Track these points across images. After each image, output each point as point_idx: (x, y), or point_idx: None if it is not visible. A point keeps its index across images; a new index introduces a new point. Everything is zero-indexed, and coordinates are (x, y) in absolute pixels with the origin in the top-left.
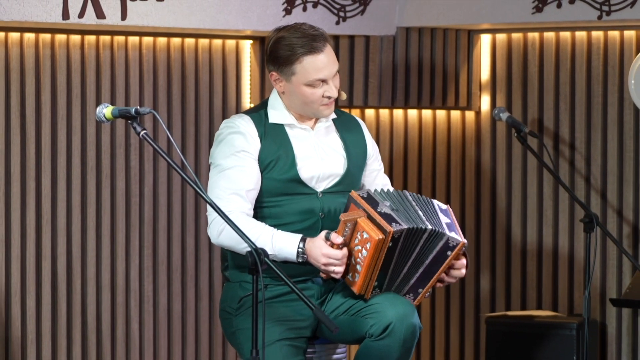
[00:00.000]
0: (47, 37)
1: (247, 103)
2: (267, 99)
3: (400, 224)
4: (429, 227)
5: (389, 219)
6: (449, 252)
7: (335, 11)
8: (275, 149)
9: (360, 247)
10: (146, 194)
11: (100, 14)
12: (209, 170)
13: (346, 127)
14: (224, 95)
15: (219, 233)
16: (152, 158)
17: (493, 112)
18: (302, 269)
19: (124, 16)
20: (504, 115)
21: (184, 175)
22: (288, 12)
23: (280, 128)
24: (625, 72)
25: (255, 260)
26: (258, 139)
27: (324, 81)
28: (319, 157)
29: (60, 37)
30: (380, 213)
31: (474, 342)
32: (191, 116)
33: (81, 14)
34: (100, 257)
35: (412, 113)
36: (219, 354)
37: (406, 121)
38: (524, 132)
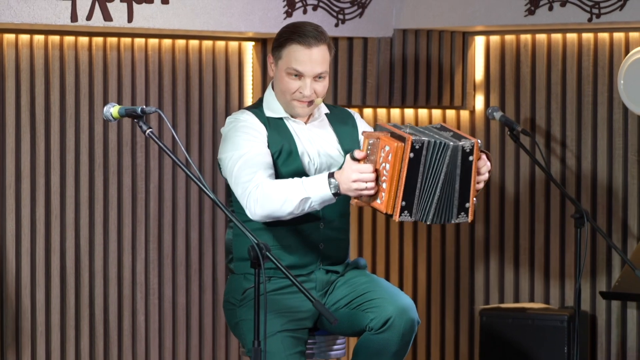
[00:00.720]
0: (56, 38)
1: (249, 102)
2: (262, 98)
3: (420, 137)
4: (448, 142)
5: (410, 134)
6: (470, 158)
7: (335, 14)
8: (279, 139)
9: (384, 164)
10: (152, 190)
11: (107, 17)
12: (215, 167)
13: (339, 121)
14: (227, 95)
15: (254, 209)
16: (158, 155)
17: (487, 111)
18: (304, 259)
19: (130, 19)
20: (498, 114)
21: (188, 172)
22: (289, 14)
23: (279, 121)
24: (614, 72)
25: (257, 254)
26: (264, 128)
27: (301, 75)
28: (315, 150)
29: (69, 39)
30: (402, 131)
31: (468, 333)
32: (195, 115)
33: (89, 17)
34: (108, 251)
35: (409, 112)
36: (222, 344)
37: (403, 120)
38: (516, 131)
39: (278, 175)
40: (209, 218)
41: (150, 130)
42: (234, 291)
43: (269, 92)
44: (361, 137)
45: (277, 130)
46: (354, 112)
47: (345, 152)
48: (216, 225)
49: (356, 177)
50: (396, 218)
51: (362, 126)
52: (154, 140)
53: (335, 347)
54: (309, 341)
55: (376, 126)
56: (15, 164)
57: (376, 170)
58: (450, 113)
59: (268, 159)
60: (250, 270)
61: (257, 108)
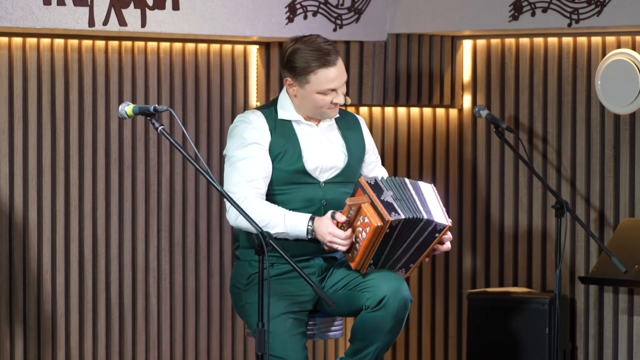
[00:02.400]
0: (74, 42)
1: (253, 102)
2: (277, 98)
3: (398, 214)
4: (424, 217)
5: (389, 208)
6: (436, 234)
7: (333, 19)
8: (283, 142)
9: (361, 229)
10: (164, 183)
11: (122, 22)
12: (222, 162)
13: (347, 125)
14: (233, 94)
15: (236, 217)
16: (169, 151)
17: (474, 109)
18: (305, 249)
19: (143, 24)
20: (484, 113)
21: (197, 166)
22: (290, 20)
23: (288, 124)
24: (592, 73)
25: (261, 242)
26: (268, 132)
27: (334, 90)
28: (322, 151)
29: (87, 43)
30: (382, 202)
31: (457, 315)
32: (204, 113)
33: (105, 22)
34: (123, 239)
35: (402, 111)
36: (229, 326)
37: (396, 118)
38: (501, 128)
39: (281, 174)
40: (216, 209)
41: (162, 127)
42: (240, 276)
43: (284, 95)
44: (366, 143)
45: (283, 133)
46: (360, 117)
47: (350, 154)
48: (223, 215)
49: (330, 239)
50: (363, 272)
51: (366, 135)
52: (166, 137)
53: (334, 328)
54: (309, 323)
55: (358, 183)
56: (37, 158)
57: (352, 229)
58: (440, 111)
59: (261, 170)
60: (255, 257)
61: (269, 108)
